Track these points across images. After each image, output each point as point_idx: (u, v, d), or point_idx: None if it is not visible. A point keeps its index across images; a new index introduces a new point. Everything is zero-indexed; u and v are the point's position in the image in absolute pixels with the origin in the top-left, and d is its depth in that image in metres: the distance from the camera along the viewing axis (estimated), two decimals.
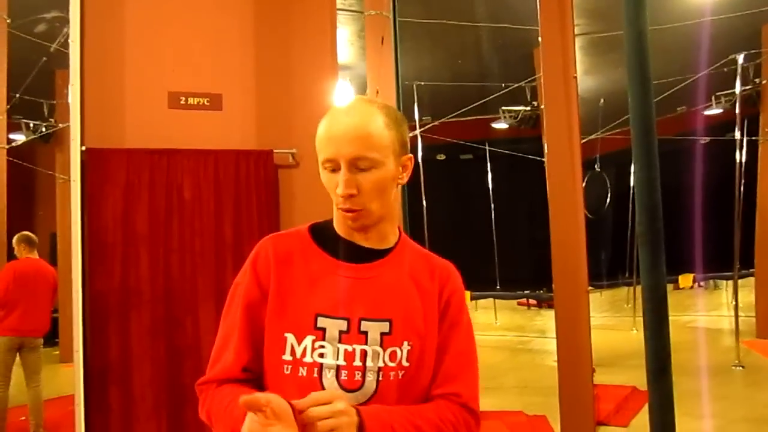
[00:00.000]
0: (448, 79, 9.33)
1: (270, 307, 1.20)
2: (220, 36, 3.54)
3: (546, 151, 4.02)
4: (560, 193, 3.86)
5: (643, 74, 1.29)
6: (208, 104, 3.43)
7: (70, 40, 3.06)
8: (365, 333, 1.19)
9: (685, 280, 9.83)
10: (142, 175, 3.25)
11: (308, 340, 1.18)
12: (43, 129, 9.28)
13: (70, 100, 3.08)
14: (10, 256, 6.26)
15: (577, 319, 4.14)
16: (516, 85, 8.93)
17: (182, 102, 3.39)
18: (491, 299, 12.75)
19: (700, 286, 14.23)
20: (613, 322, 11.49)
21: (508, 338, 10.61)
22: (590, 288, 13.65)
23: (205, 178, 3.35)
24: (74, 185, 3.08)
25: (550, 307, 8.25)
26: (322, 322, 1.18)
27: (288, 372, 1.17)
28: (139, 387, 3.21)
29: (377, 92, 6.34)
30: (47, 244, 11.00)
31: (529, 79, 8.96)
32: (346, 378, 1.18)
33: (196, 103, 3.41)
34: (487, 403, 6.00)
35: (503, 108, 9.62)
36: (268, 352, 1.20)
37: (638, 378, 6.34)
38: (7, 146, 6.51)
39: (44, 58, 7.35)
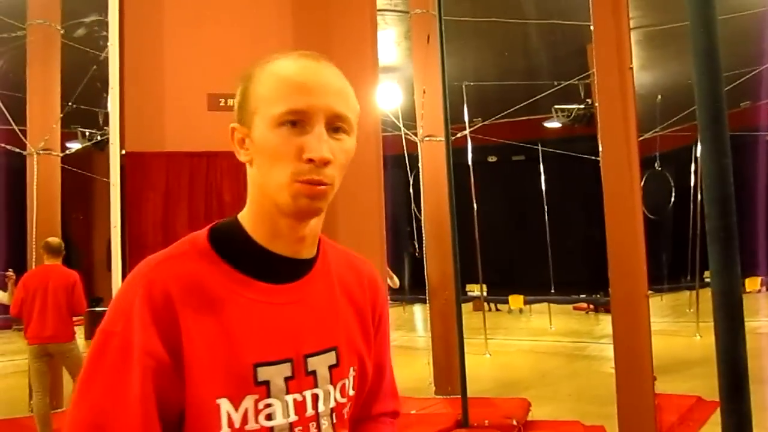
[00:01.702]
0: (496, 79, 9.13)
1: (189, 371, 0.83)
2: (258, 36, 3.49)
3: (601, 149, 3.82)
4: (616, 193, 3.66)
5: (711, 54, 1.13)
6: None
7: (108, 44, 3.06)
8: (313, 372, 0.93)
9: (752, 283, 9.34)
10: (182, 178, 3.22)
11: (248, 402, 0.87)
12: (98, 137, 9.51)
13: (109, 104, 3.07)
14: (100, 256, 6.45)
15: (636, 324, 3.91)
16: (568, 82, 8.67)
17: (222, 103, 3.34)
18: (546, 303, 12.47)
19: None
20: (675, 328, 11.00)
21: (564, 344, 10.28)
22: (650, 292, 13.18)
23: (245, 180, 3.28)
24: (113, 189, 3.07)
25: (608, 311, 7.95)
26: (262, 373, 0.88)
27: None
28: None
29: (424, 92, 6.23)
30: (104, 249, 11.36)
31: (582, 76, 8.68)
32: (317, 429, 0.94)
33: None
34: (542, 412, 5.79)
35: (555, 106, 9.37)
36: (194, 430, 0.85)
37: (703, 387, 6.01)
38: (61, 154, 6.65)
39: (94, 67, 7.51)
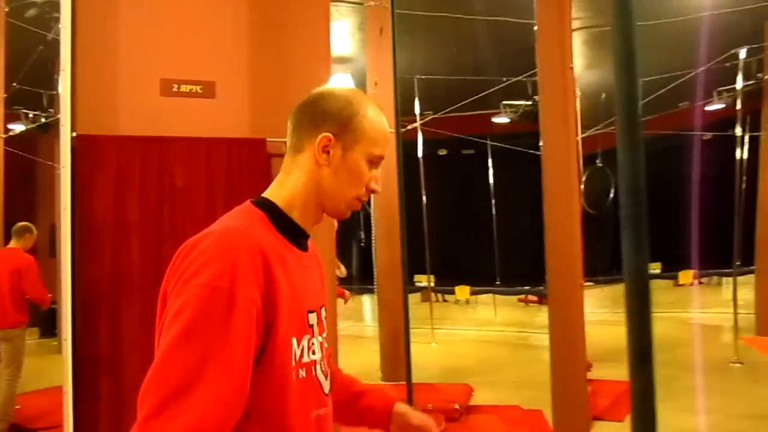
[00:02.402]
0: (447, 73, 9.29)
1: (276, 316, 1.04)
2: (214, 23, 3.51)
3: (542, 145, 3.99)
4: (555, 187, 3.84)
5: (629, 57, 1.26)
6: (201, 92, 3.40)
7: (60, 25, 3.04)
8: (324, 320, 1.20)
9: (685, 276, 9.79)
10: (134, 162, 3.23)
11: (305, 340, 1.12)
12: (42, 119, 9.26)
13: (60, 85, 3.06)
14: (42, 240, 6.31)
15: (571, 313, 4.11)
16: (516, 79, 8.88)
17: (175, 89, 3.36)
18: (492, 295, 12.76)
19: (700, 282, 14.19)
20: (614, 318, 11.42)
21: (508, 334, 10.58)
22: (591, 283, 13.70)
23: (197, 165, 3.33)
24: (64, 171, 3.06)
25: None
26: (310, 318, 1.15)
27: (294, 378, 1.09)
28: (129, 376, 3.19)
29: (375, 83, 6.32)
30: (47, 234, 11.04)
31: (529, 73, 8.91)
32: (322, 369, 1.18)
33: (189, 90, 3.38)
34: (484, 397, 6.00)
35: (504, 102, 9.59)
36: (273, 364, 1.05)
37: None
38: (4, 136, 6.48)
39: (41, 47, 7.33)
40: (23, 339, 5.00)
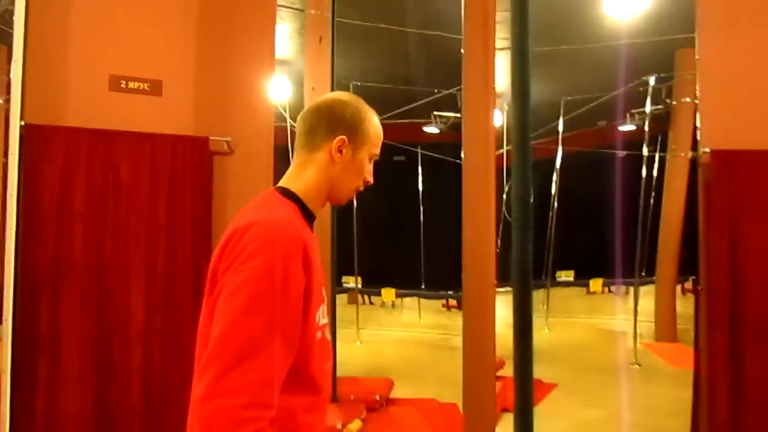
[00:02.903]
0: (382, 82, 9.62)
1: (308, 290, 1.26)
2: (163, 23, 3.68)
3: (463, 156, 4.33)
4: (473, 197, 4.16)
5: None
6: (148, 89, 3.56)
7: (14, 17, 3.15)
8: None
9: (595, 284, 10.47)
10: (81, 153, 3.36)
11: (321, 308, 1.34)
12: None
13: (12, 75, 3.16)
14: None
15: (482, 315, 4.45)
16: (447, 92, 9.30)
17: (123, 85, 3.51)
18: (417, 299, 13.14)
19: (611, 291, 15.08)
20: None
21: (430, 335, 10.97)
22: (509, 289, 14.24)
23: (142, 160, 3.48)
24: (12, 159, 3.16)
25: None
26: (323, 289, 1.38)
27: (317, 338, 1.32)
28: (67, 359, 3.31)
29: (313, 89, 6.56)
30: None
31: (459, 87, 9.34)
32: (329, 330, 1.42)
33: (136, 87, 3.54)
34: (404, 391, 6.31)
35: (435, 113, 9.99)
36: (306, 328, 1.28)
37: (545, 373, 6.81)
38: None
39: None
40: None
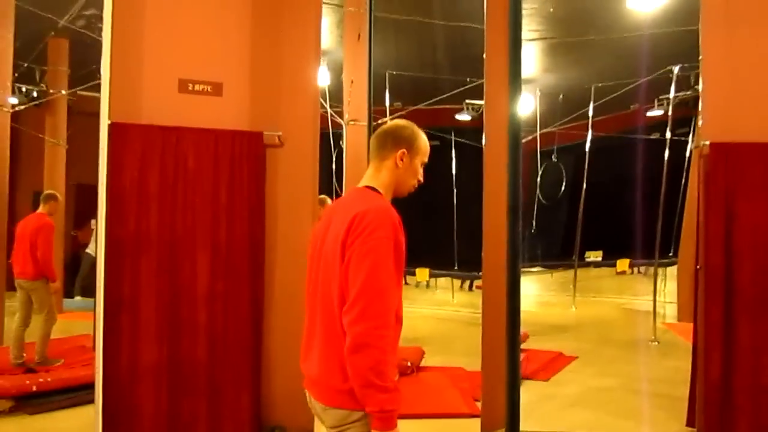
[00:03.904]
0: (416, 71, 10.08)
1: (400, 257, 1.84)
2: (222, 31, 4.24)
3: (485, 143, 4.76)
4: (493, 182, 4.58)
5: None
6: (210, 91, 4.16)
7: (102, 34, 3.76)
8: None
9: (622, 264, 10.81)
10: (155, 146, 3.97)
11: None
12: (34, 94, 9.79)
13: (102, 80, 3.77)
14: (11, 210, 6.99)
15: (502, 294, 4.88)
16: (479, 81, 9.70)
17: (190, 88, 4.11)
18: (449, 279, 13.62)
19: (639, 272, 15.34)
20: (557, 300, 12.49)
21: (462, 313, 11.48)
22: (540, 268, 14.59)
23: (206, 152, 4.09)
24: (101, 152, 3.79)
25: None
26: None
27: (402, 284, 1.91)
28: (146, 317, 3.96)
29: (352, 82, 7.10)
30: (30, 201, 11.54)
31: None
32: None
33: (201, 89, 4.13)
34: (434, 360, 6.87)
35: (467, 101, 10.42)
36: (399, 278, 1.85)
37: (566, 347, 7.29)
38: (10, 110, 7.08)
39: (52, 33, 7.84)
40: (45, 289, 5.68)
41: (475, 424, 4.20)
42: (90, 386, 4.87)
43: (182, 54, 4.12)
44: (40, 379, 4.94)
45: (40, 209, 5.78)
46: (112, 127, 3.86)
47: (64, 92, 9.96)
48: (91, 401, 4.70)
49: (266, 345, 4.27)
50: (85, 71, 9.66)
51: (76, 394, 4.96)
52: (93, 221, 12.02)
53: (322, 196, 5.07)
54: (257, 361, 4.21)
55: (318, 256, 1.96)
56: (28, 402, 4.80)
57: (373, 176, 2.02)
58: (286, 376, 4.24)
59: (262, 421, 4.23)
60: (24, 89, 9.66)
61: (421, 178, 2.08)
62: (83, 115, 11.42)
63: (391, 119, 8.45)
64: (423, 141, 2.07)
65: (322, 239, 1.96)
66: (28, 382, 4.89)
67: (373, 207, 1.83)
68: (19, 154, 13.03)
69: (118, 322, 3.90)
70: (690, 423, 4.44)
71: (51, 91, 9.83)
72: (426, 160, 2.08)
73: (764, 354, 4.23)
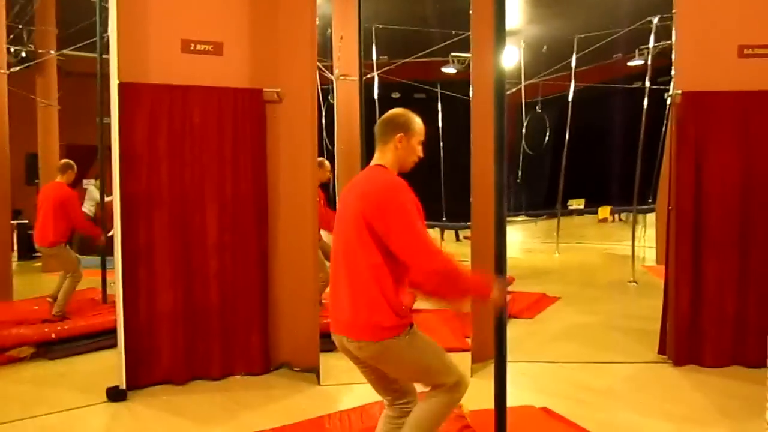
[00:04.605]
0: (403, 24, 10.20)
1: (419, 210, 2.31)
2: None
3: (471, 95, 4.98)
4: (480, 134, 4.84)
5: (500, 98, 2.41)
6: (212, 50, 4.37)
7: (109, 1, 3.95)
8: None
9: (603, 211, 11.19)
10: (162, 105, 4.21)
11: None
12: (23, 55, 9.83)
13: (110, 42, 3.98)
14: (18, 168, 7.20)
15: (489, 238, 5.20)
16: (466, 34, 9.85)
17: (192, 48, 4.32)
18: (438, 229, 14.00)
19: (621, 219, 15.81)
20: (542, 247, 12.92)
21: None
22: (525, 217, 15.02)
23: (211, 109, 4.33)
24: (113, 111, 4.02)
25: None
26: None
27: None
28: (160, 267, 4.26)
29: (341, 38, 7.27)
30: (23, 162, 11.65)
31: None
32: None
33: (203, 49, 4.35)
34: (426, 304, 7.25)
35: (452, 54, 10.58)
36: None
37: (549, 289, 7.71)
38: (7, 72, 7.19)
39: None
40: (66, 251, 5.93)
41: (466, 357, 4.57)
42: (104, 333, 5.27)
43: (184, 15, 4.31)
44: (59, 327, 5.26)
45: (59, 179, 5.96)
46: (122, 87, 4.07)
47: (53, 53, 10.00)
48: (107, 347, 5.10)
49: (272, 290, 4.60)
50: (72, 30, 9.70)
51: (93, 340, 5.29)
52: (84, 181, 12.17)
53: (320, 158, 5.36)
54: (265, 305, 4.54)
55: (342, 224, 2.43)
56: (49, 349, 5.12)
57: (381, 157, 2.46)
58: (291, 318, 4.59)
59: (271, 359, 4.60)
60: (13, 50, 9.68)
61: (421, 154, 2.50)
62: (73, 75, 11.48)
63: (379, 73, 8.63)
64: (417, 125, 2.48)
65: (344, 211, 2.42)
66: (47, 330, 5.20)
67: (392, 180, 2.35)
68: (11, 117, 13.10)
69: (135, 272, 4.20)
70: (661, 351, 4.85)
71: (40, 51, 9.86)
72: (422, 139, 2.50)
73: (728, 287, 4.62)
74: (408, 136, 2.45)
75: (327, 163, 5.84)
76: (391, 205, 2.25)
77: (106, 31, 6.29)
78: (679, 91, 4.69)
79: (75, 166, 6.08)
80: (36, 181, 10.35)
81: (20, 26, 9.88)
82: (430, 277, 2.30)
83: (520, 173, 14.56)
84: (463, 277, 2.28)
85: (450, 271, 2.24)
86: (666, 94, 4.92)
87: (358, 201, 2.35)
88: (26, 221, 11.60)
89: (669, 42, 9.88)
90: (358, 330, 2.32)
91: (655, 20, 8.75)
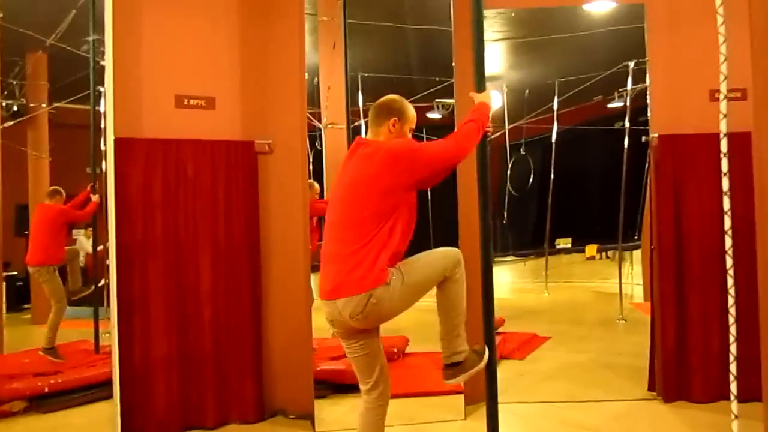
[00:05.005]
0: (388, 72, 10.48)
1: None
2: (213, 49, 4.60)
3: None
4: (466, 176, 4.96)
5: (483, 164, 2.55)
6: (204, 105, 4.52)
7: (105, 59, 4.11)
8: None
9: (590, 249, 11.35)
10: (157, 158, 4.33)
11: None
12: (15, 108, 9.97)
13: (105, 100, 4.13)
14: (8, 220, 7.36)
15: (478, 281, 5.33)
16: (449, 81, 10.13)
17: (185, 103, 4.47)
18: None
19: (608, 257, 15.94)
20: (531, 287, 13.00)
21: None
22: (514, 258, 15.06)
23: (204, 161, 4.46)
24: (109, 165, 4.14)
25: None
26: None
27: None
28: (155, 314, 4.32)
29: (329, 88, 7.47)
30: (13, 214, 11.68)
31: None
32: None
33: (195, 103, 4.50)
34: (418, 347, 7.30)
35: (436, 100, 10.83)
36: None
37: (541, 328, 7.77)
38: (0, 126, 7.32)
39: (46, 44, 7.94)
40: (54, 277, 6.05)
41: (459, 399, 4.62)
42: (97, 385, 5.28)
43: (177, 72, 4.48)
44: (51, 381, 5.24)
45: (50, 201, 6.21)
46: (117, 142, 4.20)
47: (44, 106, 10.15)
48: (100, 398, 5.11)
49: (265, 336, 4.65)
50: (62, 84, 9.87)
51: (86, 393, 5.28)
52: (74, 231, 12.21)
53: (310, 180, 5.48)
54: (258, 352, 4.59)
55: (341, 192, 2.59)
56: (41, 402, 5.11)
57: (374, 138, 2.62)
58: (285, 365, 4.63)
59: (265, 406, 4.62)
60: (5, 104, 9.83)
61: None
62: (64, 127, 11.61)
63: (366, 120, 8.80)
64: (411, 112, 2.67)
65: (344, 182, 2.58)
66: (39, 383, 5.19)
67: (387, 140, 2.56)
68: (2, 169, 13.18)
69: (130, 321, 4.25)
70: (651, 388, 4.92)
71: (32, 105, 10.01)
72: (413, 127, 2.67)
73: (712, 323, 4.73)
74: (402, 122, 2.59)
75: (316, 184, 5.96)
76: (401, 150, 2.45)
77: (98, 84, 6.51)
78: (656, 135, 4.88)
79: (63, 192, 6.31)
80: (26, 232, 10.37)
81: (13, 81, 10.03)
82: (458, 150, 2.58)
83: (505, 214, 14.76)
84: (473, 128, 2.59)
85: (468, 138, 2.55)
86: (643, 137, 5.10)
87: (363, 162, 2.51)
88: (15, 272, 11.58)
89: (645, 85, 10.25)
90: (345, 287, 2.45)
91: (632, 64, 9.09)
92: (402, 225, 2.52)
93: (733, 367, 2.80)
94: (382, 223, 2.43)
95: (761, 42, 2.78)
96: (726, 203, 2.81)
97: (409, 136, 2.61)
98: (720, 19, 2.74)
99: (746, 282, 4.73)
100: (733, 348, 2.79)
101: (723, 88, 2.78)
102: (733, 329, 2.78)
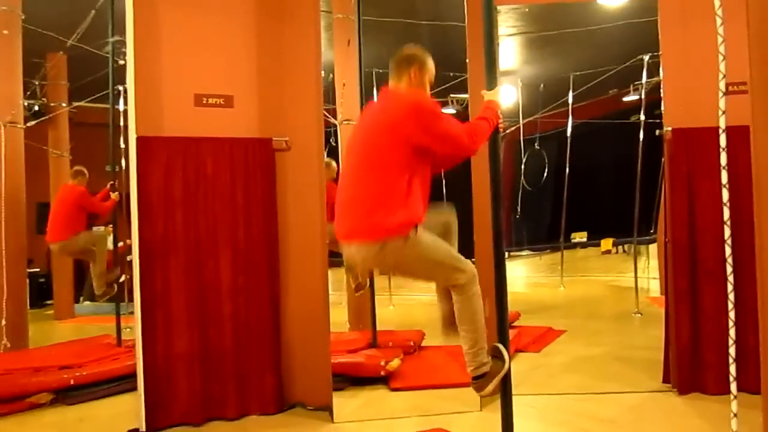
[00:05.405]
0: None
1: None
2: (231, 50, 4.70)
3: None
4: (480, 172, 4.99)
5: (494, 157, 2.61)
6: (223, 103, 4.62)
7: (126, 59, 4.21)
8: None
9: (606, 243, 11.34)
10: (177, 156, 4.43)
11: None
12: (36, 108, 10.16)
13: (128, 101, 4.24)
14: (30, 218, 7.55)
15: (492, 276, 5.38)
16: (463, 76, 10.15)
17: (204, 101, 4.57)
18: None
19: (624, 251, 15.91)
20: (546, 281, 13.05)
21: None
22: (530, 252, 15.09)
23: (222, 158, 4.55)
24: (131, 163, 4.24)
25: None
26: None
27: None
28: (177, 311, 4.43)
29: (344, 84, 7.54)
30: (35, 212, 11.90)
31: None
32: None
33: (214, 102, 4.59)
34: (433, 341, 7.37)
35: (451, 95, 10.87)
36: None
37: (557, 322, 7.81)
38: (23, 126, 7.49)
39: (60, 51, 8.10)
40: (77, 240, 6.33)
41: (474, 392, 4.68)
42: (121, 378, 5.40)
43: (196, 71, 4.57)
44: (77, 373, 5.39)
45: (70, 183, 6.41)
46: (139, 141, 4.31)
47: (64, 105, 10.34)
48: (124, 391, 5.23)
49: (284, 331, 4.75)
50: (81, 83, 10.05)
51: (110, 385, 5.42)
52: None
53: (327, 159, 5.54)
54: (277, 346, 4.69)
55: (362, 136, 2.69)
56: (67, 394, 5.25)
57: (397, 86, 2.74)
58: (303, 358, 4.73)
59: (284, 398, 4.72)
60: (26, 104, 10.02)
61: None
62: (84, 126, 11.81)
63: None
64: (430, 62, 2.80)
65: (365, 126, 2.70)
66: (66, 376, 5.33)
67: (419, 94, 2.69)
68: (26, 169, 13.42)
69: (153, 317, 4.36)
70: (666, 380, 4.96)
71: (52, 104, 10.19)
72: (432, 78, 2.78)
73: (726, 316, 4.72)
74: (422, 72, 2.72)
75: (333, 163, 5.98)
76: (426, 111, 2.53)
77: (117, 84, 6.64)
78: (669, 128, 4.90)
79: (86, 173, 6.50)
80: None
81: (36, 82, 10.23)
82: (470, 145, 2.63)
83: (519, 209, 14.75)
84: (485, 126, 2.65)
85: (480, 135, 2.62)
86: (657, 131, 5.12)
87: (389, 113, 2.60)
88: (37, 269, 11.80)
89: (660, 78, 10.20)
90: (367, 231, 2.53)
91: (646, 58, 9.06)
92: (420, 183, 2.60)
93: (732, 368, 2.86)
94: (401, 173, 2.50)
95: (758, 37, 2.83)
96: (725, 195, 2.93)
97: (428, 87, 2.73)
98: (719, 21, 2.79)
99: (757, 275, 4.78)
100: (732, 350, 2.87)
101: (722, 86, 2.84)
102: (732, 332, 2.85)
